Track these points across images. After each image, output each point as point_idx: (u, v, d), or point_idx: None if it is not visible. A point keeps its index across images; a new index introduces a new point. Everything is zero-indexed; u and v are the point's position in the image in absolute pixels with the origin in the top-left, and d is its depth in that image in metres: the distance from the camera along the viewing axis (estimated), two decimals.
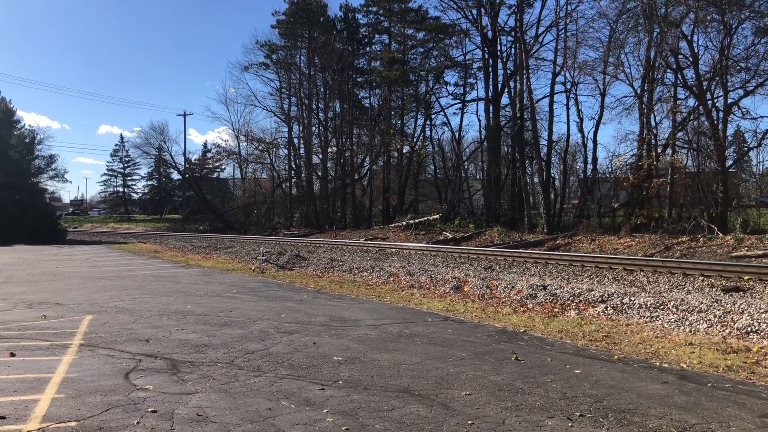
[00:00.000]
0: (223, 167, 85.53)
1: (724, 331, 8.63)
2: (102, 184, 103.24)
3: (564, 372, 6.50)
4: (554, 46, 35.28)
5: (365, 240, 32.67)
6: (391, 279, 15.59)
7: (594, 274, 15.33)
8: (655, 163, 28.00)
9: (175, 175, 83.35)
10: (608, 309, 10.40)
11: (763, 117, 45.01)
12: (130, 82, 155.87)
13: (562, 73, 33.61)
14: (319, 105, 51.76)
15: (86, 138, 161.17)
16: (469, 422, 4.89)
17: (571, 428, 4.79)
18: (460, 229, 33.92)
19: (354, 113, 49.27)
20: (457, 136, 46.54)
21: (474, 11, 37.77)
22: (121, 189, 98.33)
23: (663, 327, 9.13)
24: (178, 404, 5.30)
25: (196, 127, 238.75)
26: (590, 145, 34.69)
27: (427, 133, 48.50)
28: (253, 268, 19.05)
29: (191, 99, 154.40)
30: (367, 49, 51.20)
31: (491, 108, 37.07)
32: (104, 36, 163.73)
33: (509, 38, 38.36)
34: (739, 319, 8.86)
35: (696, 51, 26.87)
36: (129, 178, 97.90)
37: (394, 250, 24.93)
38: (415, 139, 47.28)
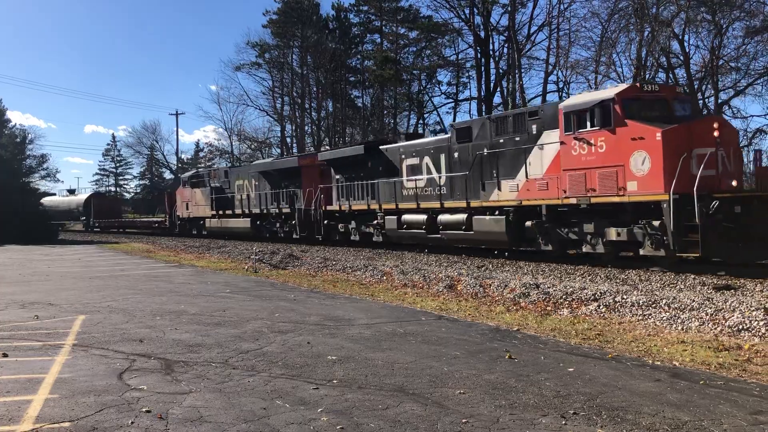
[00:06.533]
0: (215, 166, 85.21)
1: (716, 328, 8.69)
2: (94, 183, 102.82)
3: (557, 370, 6.52)
4: (547, 45, 35.36)
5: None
6: (385, 278, 15.58)
7: (586, 273, 15.36)
8: None
9: (168, 175, 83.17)
10: (601, 307, 10.44)
11: (753, 116, 45.17)
12: (118, 81, 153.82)
13: (555, 72, 33.79)
14: (312, 104, 51.77)
15: (73, 137, 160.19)
16: (464, 420, 4.91)
17: (565, 426, 4.82)
18: None
19: (347, 112, 49.29)
20: None
21: (466, 10, 37.89)
22: (113, 188, 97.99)
23: (655, 325, 9.18)
24: (173, 404, 5.30)
25: (187, 126, 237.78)
26: None
27: (420, 132, 48.58)
28: (246, 267, 19.01)
29: (182, 98, 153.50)
30: (360, 48, 51.19)
31: (484, 107, 37.15)
32: (91, 33, 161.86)
33: (502, 37, 38.54)
34: (730, 317, 8.91)
35: (687, 51, 27.10)
36: (121, 177, 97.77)
37: (387, 248, 24.89)
38: None
